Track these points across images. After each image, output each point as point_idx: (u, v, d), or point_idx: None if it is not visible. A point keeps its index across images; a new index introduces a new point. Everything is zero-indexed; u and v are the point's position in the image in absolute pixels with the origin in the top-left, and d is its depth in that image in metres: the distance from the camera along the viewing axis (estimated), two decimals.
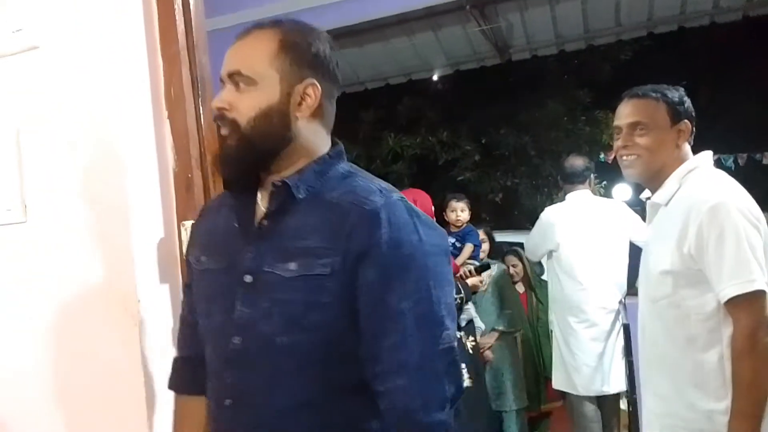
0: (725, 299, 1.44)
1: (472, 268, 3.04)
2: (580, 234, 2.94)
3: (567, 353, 2.92)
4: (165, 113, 1.48)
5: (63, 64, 1.41)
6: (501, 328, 3.28)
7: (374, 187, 0.99)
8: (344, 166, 1.06)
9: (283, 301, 0.96)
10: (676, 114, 1.66)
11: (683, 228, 1.51)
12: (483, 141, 7.35)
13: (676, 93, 1.69)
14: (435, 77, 6.26)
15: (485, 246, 3.35)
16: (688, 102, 1.68)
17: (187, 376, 1.20)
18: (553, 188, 7.16)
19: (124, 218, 1.39)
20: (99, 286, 1.38)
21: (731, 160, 7.81)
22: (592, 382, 2.87)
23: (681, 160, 1.64)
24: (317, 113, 1.04)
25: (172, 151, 1.48)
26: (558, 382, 3.01)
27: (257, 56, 1.00)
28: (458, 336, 2.85)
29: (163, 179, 1.47)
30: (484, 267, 3.11)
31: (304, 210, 0.99)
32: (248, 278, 0.99)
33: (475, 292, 3.07)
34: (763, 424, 1.45)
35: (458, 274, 2.96)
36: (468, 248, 3.25)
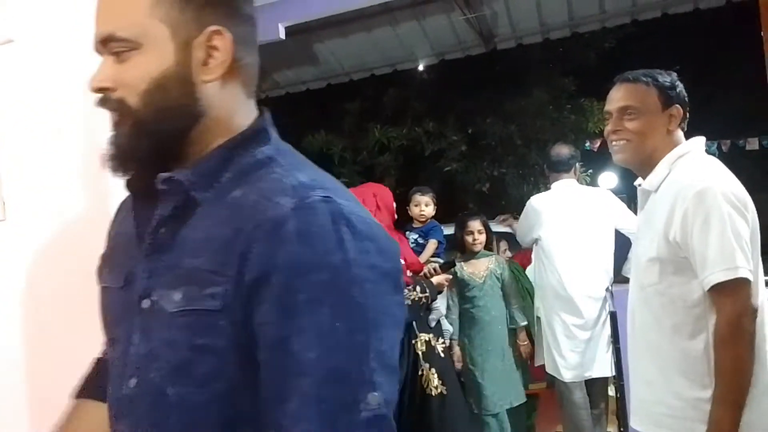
0: (709, 286, 1.44)
1: (437, 265, 2.90)
2: (565, 222, 2.95)
3: (553, 341, 2.93)
4: None
5: (38, 57, 1.38)
6: (525, 323, 3.18)
7: (289, 181, 0.71)
8: (266, 149, 0.78)
9: (167, 342, 0.71)
10: (667, 99, 1.63)
11: (670, 215, 1.51)
12: (469, 131, 7.34)
13: (668, 77, 1.66)
14: (420, 67, 6.24)
15: (482, 237, 3.18)
16: (680, 87, 1.65)
17: (91, 379, 0.96)
18: (540, 177, 7.19)
19: (108, 213, 1.36)
20: (82, 283, 1.36)
21: (715, 146, 7.89)
22: (578, 368, 2.90)
23: (672, 146, 1.61)
24: (232, 72, 0.76)
25: None
26: (547, 367, 3.02)
27: (132, 7, 0.72)
28: (426, 339, 2.77)
29: None
30: (450, 264, 2.99)
31: (203, 216, 0.73)
32: (146, 303, 0.74)
33: (440, 292, 2.92)
34: (746, 411, 1.45)
35: (422, 273, 2.86)
36: (431, 245, 3.09)
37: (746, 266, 1.42)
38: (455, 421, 2.80)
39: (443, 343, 2.84)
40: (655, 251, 1.55)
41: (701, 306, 1.48)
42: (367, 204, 2.85)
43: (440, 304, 2.88)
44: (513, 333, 3.20)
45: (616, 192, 3.25)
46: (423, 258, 2.98)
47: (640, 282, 1.63)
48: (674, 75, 1.68)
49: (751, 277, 1.43)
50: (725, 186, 1.47)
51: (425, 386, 2.78)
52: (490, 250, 3.31)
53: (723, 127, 7.91)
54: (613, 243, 2.93)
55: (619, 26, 5.70)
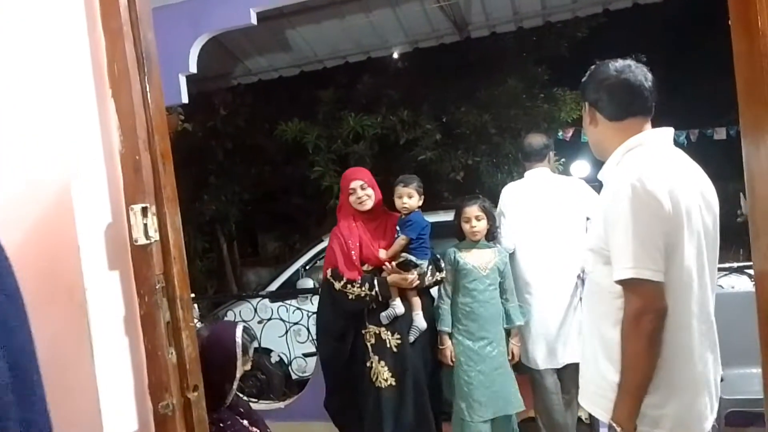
0: (615, 281, 1.52)
1: (395, 264, 2.75)
2: (537, 210, 2.97)
3: (524, 328, 2.95)
4: (109, 92, 1.41)
5: None
6: (521, 323, 2.93)
7: None
8: None
9: None
10: (582, 97, 1.75)
11: (602, 211, 1.59)
12: (443, 120, 7.33)
13: (588, 73, 1.72)
14: (395, 55, 6.20)
15: (481, 225, 2.84)
16: (596, 81, 1.67)
17: None
18: (514, 166, 7.22)
19: (68, 204, 1.32)
20: (43, 275, 1.32)
21: (684, 136, 8.03)
22: (549, 355, 2.92)
23: (623, 138, 1.63)
24: None
25: (117, 132, 1.41)
26: (522, 357, 3.04)
27: None
28: (377, 332, 2.76)
29: (109, 162, 1.41)
30: (409, 264, 2.76)
31: None
32: None
33: (433, 286, 2.87)
34: (669, 405, 1.54)
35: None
36: (399, 241, 2.79)
37: (650, 267, 1.46)
38: (406, 415, 2.75)
39: (398, 338, 2.77)
40: (593, 242, 1.63)
41: (622, 299, 1.54)
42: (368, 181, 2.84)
43: (397, 302, 2.77)
44: (507, 333, 2.95)
45: (588, 180, 3.27)
46: (390, 253, 2.79)
47: (586, 269, 1.78)
48: (601, 64, 1.69)
49: (655, 278, 1.46)
50: (641, 185, 1.47)
51: (374, 379, 2.77)
52: (494, 238, 2.98)
53: (692, 116, 8.05)
54: (585, 231, 2.96)
55: (591, 15, 5.75)
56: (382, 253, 2.80)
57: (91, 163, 1.37)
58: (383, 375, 2.77)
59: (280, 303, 4.47)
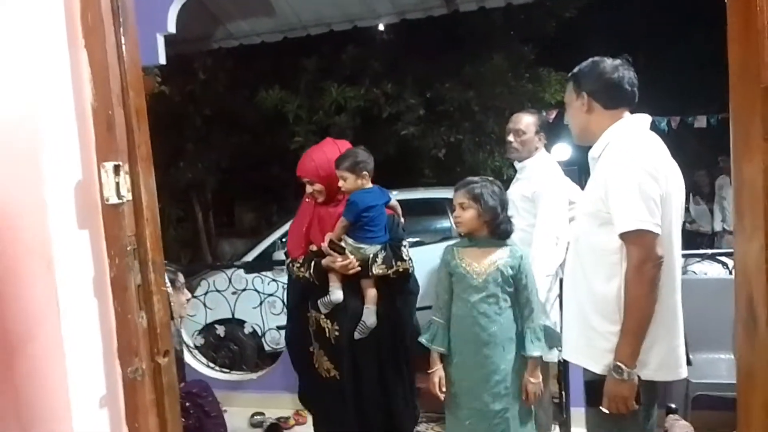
0: (618, 233, 1.73)
1: (326, 245, 2.55)
2: (523, 193, 2.98)
3: None
4: (81, 42, 1.34)
5: None
6: (539, 354, 2.36)
7: None
8: None
9: None
10: (577, 87, 1.96)
11: (602, 179, 1.81)
12: (427, 95, 7.26)
13: (585, 65, 1.97)
14: (381, 26, 6.09)
15: (466, 216, 2.30)
16: (595, 74, 1.92)
17: None
18: (496, 145, 7.22)
19: (37, 160, 1.26)
20: (10, 233, 1.26)
21: (665, 122, 8.09)
22: None
23: (611, 121, 1.90)
24: None
25: (90, 85, 1.34)
26: None
27: None
28: (316, 318, 2.62)
29: (81, 117, 1.35)
30: (339, 247, 2.54)
31: None
32: None
33: (375, 269, 2.55)
34: (653, 348, 1.77)
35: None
36: (338, 224, 2.57)
37: (650, 220, 1.70)
38: (349, 408, 2.58)
39: (337, 329, 2.58)
40: (590, 206, 1.87)
41: (618, 255, 1.77)
42: (305, 165, 2.63)
43: (334, 289, 2.55)
44: (525, 362, 2.29)
45: (569, 163, 3.27)
46: (333, 236, 2.56)
47: (576, 234, 1.96)
48: (601, 61, 1.95)
49: (655, 230, 1.70)
50: (641, 157, 1.76)
51: (317, 366, 2.70)
52: (501, 234, 2.31)
53: (673, 104, 8.10)
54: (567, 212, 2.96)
55: None
56: (327, 237, 2.57)
57: (61, 116, 1.31)
58: (324, 365, 2.65)
59: (256, 274, 4.42)
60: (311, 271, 2.59)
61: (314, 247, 2.63)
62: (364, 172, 2.57)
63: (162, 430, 1.48)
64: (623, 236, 1.74)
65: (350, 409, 2.60)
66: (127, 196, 1.35)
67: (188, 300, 2.67)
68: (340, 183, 2.57)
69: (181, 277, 2.61)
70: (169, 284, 2.34)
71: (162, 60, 3.19)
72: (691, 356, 2.13)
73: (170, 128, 7.16)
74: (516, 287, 2.27)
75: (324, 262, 2.57)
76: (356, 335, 2.56)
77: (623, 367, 1.72)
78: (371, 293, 2.59)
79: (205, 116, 7.58)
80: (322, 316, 2.61)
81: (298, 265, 2.66)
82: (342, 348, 2.58)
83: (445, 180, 6.85)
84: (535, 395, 2.28)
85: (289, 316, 2.97)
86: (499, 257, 2.28)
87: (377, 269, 2.56)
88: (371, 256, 2.57)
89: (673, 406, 2.93)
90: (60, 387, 1.29)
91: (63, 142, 1.31)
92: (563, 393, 3.34)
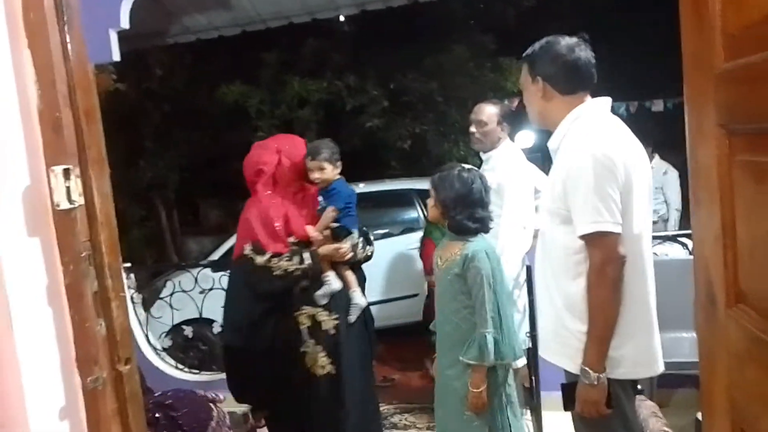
0: (578, 236, 1.66)
1: (327, 232, 2.51)
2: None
3: None
4: (24, 41, 1.28)
5: None
6: (474, 362, 2.27)
7: None
8: None
9: None
10: (532, 70, 1.85)
11: (561, 173, 1.73)
12: (391, 86, 7.24)
13: (539, 46, 1.84)
14: (341, 17, 6.03)
15: (432, 211, 2.35)
16: (548, 57, 1.81)
17: None
18: (460, 135, 7.25)
19: None
20: None
21: (623, 107, 8.24)
22: None
23: (569, 107, 1.79)
24: None
25: (35, 86, 1.28)
26: None
27: None
28: (312, 313, 2.47)
29: (26, 119, 1.29)
30: (340, 232, 2.54)
31: None
32: None
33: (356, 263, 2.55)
34: (625, 346, 1.69)
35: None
36: (327, 213, 2.53)
37: (609, 220, 1.62)
38: (345, 404, 2.50)
39: (336, 319, 2.51)
40: (550, 203, 1.79)
41: (581, 254, 1.70)
42: (264, 157, 2.52)
43: (332, 277, 2.51)
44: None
45: (533, 150, 3.30)
46: (320, 227, 2.53)
47: (542, 230, 1.89)
48: (555, 43, 1.82)
49: (615, 230, 1.63)
50: (599, 150, 1.65)
51: (310, 366, 2.48)
52: (454, 228, 2.25)
53: (632, 88, 8.25)
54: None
55: None
56: (311, 230, 2.51)
57: (4, 120, 1.25)
58: (320, 362, 2.48)
59: (223, 273, 4.34)
60: (309, 262, 2.44)
61: (293, 239, 2.51)
62: (338, 162, 2.58)
63: None
64: (583, 238, 1.66)
65: (349, 401, 2.53)
66: (79, 200, 1.30)
67: None
68: (317, 174, 2.52)
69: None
70: None
71: (116, 57, 3.08)
72: None
73: (128, 126, 6.98)
74: (466, 284, 2.17)
75: (323, 250, 2.49)
76: (351, 318, 2.56)
77: (590, 372, 1.65)
78: (353, 276, 2.61)
79: (165, 113, 7.42)
80: (320, 310, 2.50)
81: (285, 258, 2.44)
82: (342, 339, 2.52)
83: (411, 171, 6.85)
84: (472, 404, 2.16)
85: (237, 328, 2.54)
86: (454, 254, 2.20)
87: (359, 254, 2.60)
88: (358, 241, 2.61)
89: (639, 387, 3.00)
90: (16, 399, 1.24)
91: (8, 147, 1.25)
92: (533, 378, 3.38)
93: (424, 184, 3.74)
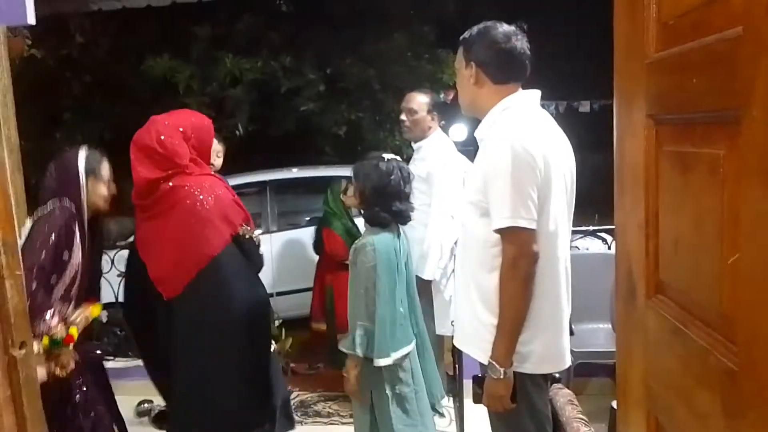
0: (493, 229, 1.66)
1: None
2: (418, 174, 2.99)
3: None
4: None
5: None
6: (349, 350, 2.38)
7: None
8: None
9: None
10: (466, 54, 1.82)
11: (482, 168, 1.72)
12: (327, 71, 7.10)
13: (476, 30, 1.80)
14: None
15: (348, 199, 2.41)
16: (487, 41, 1.77)
17: None
18: (395, 124, 7.22)
19: None
20: None
21: (553, 107, 8.52)
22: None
23: (500, 98, 1.77)
24: None
25: None
26: None
27: None
28: None
29: None
30: None
31: None
32: None
33: None
34: (533, 343, 1.70)
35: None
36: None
37: (524, 216, 1.61)
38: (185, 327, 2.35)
39: None
40: (472, 195, 1.77)
41: (498, 247, 1.69)
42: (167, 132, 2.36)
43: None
44: None
45: (465, 143, 3.32)
46: None
47: (463, 222, 1.87)
48: (492, 27, 1.79)
49: (530, 226, 1.62)
50: (520, 144, 1.63)
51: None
52: (365, 217, 2.37)
53: (561, 89, 8.53)
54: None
55: None
56: None
57: None
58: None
59: None
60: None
61: None
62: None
63: (21, 428, 1.32)
64: (498, 232, 1.66)
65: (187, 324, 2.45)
66: None
67: (112, 195, 2.38)
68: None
69: (104, 169, 2.34)
70: (83, 171, 2.24)
71: (31, 20, 2.83)
72: (573, 327, 2.19)
73: (43, 95, 6.50)
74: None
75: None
76: None
77: (496, 365, 1.66)
78: None
79: (85, 83, 6.95)
80: None
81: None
82: None
83: (346, 158, 6.77)
84: (345, 388, 2.30)
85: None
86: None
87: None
88: None
89: (557, 375, 3.10)
90: None
91: None
92: (456, 366, 3.43)
93: None
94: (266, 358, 2.55)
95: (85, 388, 2.26)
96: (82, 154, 2.30)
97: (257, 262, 2.50)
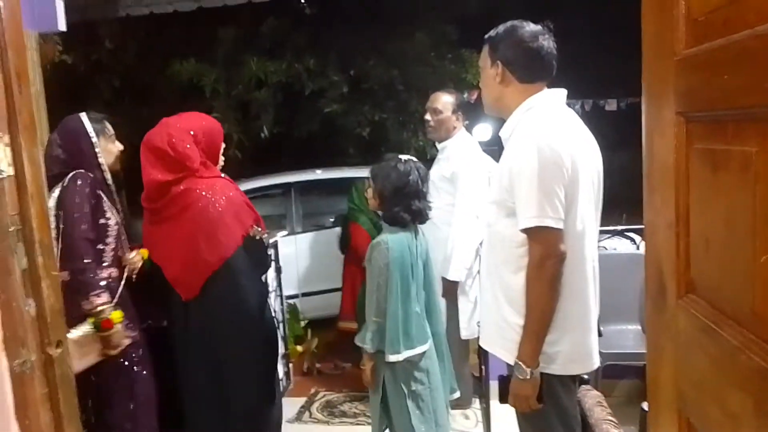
0: (519, 229, 1.65)
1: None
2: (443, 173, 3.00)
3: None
4: None
5: None
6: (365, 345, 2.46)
7: None
8: None
9: None
10: (493, 52, 1.80)
11: (507, 166, 1.70)
12: (351, 72, 7.13)
13: (503, 29, 1.79)
14: None
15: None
16: (509, 42, 1.76)
17: None
18: (419, 124, 7.22)
19: None
20: None
21: (578, 105, 8.40)
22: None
23: (524, 96, 1.76)
24: None
25: None
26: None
27: None
28: None
29: None
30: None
31: None
32: None
33: None
34: (561, 343, 1.69)
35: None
36: None
37: (552, 216, 1.60)
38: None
39: None
40: (496, 194, 1.76)
41: (524, 247, 1.67)
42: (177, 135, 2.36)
43: None
44: None
45: (489, 143, 3.31)
46: None
47: (488, 222, 1.85)
48: (519, 28, 1.77)
49: (557, 226, 1.61)
50: (547, 142, 1.62)
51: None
52: (383, 218, 2.40)
53: (587, 87, 8.41)
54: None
55: None
56: None
57: None
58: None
59: None
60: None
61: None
62: None
63: (57, 425, 1.36)
64: (524, 231, 1.65)
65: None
66: (8, 170, 1.21)
67: (121, 151, 2.49)
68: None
69: (109, 127, 2.45)
70: (93, 134, 2.31)
71: (62, 26, 2.91)
72: (602, 328, 2.17)
73: (74, 100, 6.65)
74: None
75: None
76: None
77: (523, 366, 1.65)
78: None
79: (115, 88, 7.10)
80: None
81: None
82: None
83: (369, 159, 6.79)
84: (363, 379, 2.36)
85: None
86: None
87: None
88: None
89: (585, 377, 3.06)
90: None
91: None
92: (483, 367, 3.41)
93: None
94: (276, 358, 2.62)
95: (135, 368, 2.30)
96: (85, 118, 2.34)
97: (265, 264, 2.55)
